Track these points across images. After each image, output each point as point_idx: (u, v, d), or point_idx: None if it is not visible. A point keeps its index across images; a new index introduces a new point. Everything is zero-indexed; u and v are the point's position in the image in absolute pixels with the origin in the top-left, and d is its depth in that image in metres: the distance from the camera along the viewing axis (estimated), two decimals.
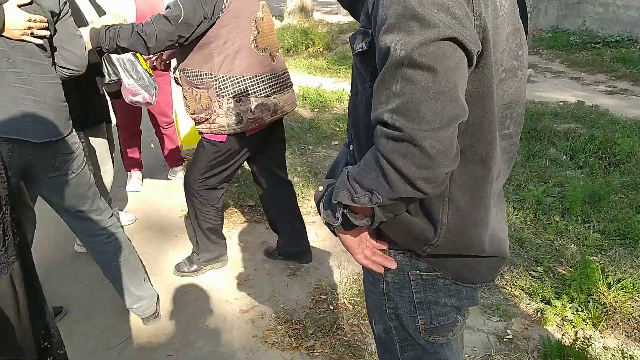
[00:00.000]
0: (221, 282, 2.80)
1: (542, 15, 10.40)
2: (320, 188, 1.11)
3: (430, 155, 0.83)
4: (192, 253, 2.88)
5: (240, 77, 2.37)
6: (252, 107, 2.40)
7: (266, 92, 2.44)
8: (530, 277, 2.69)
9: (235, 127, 2.41)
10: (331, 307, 2.54)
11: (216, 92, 2.37)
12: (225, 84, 2.36)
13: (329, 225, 1.07)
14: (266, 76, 2.45)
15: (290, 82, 2.64)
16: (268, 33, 2.47)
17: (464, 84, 0.87)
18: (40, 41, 2.01)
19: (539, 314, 2.43)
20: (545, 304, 2.47)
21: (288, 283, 2.77)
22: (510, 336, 2.30)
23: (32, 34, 1.98)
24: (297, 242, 2.82)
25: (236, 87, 2.37)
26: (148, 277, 2.48)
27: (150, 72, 2.69)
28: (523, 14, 1.05)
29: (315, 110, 5.65)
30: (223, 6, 2.26)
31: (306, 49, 8.96)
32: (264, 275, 2.85)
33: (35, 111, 2.04)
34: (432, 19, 0.81)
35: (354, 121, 1.11)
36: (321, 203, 1.08)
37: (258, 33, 2.40)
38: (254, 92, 2.40)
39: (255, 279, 2.82)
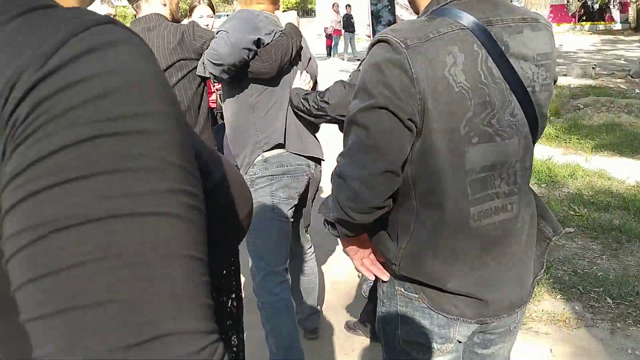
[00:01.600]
0: None
1: None
2: None
3: (355, 191, 1.11)
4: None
5: None
6: None
7: None
8: None
9: None
10: None
11: None
12: None
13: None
14: None
15: None
16: None
17: (400, 145, 1.08)
18: None
19: None
20: None
21: None
22: None
23: None
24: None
25: None
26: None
27: None
28: (520, 89, 1.14)
29: (543, 185, 4.88)
30: None
31: None
32: None
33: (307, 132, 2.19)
34: (373, 92, 1.07)
35: None
36: None
37: None
38: None
39: None
